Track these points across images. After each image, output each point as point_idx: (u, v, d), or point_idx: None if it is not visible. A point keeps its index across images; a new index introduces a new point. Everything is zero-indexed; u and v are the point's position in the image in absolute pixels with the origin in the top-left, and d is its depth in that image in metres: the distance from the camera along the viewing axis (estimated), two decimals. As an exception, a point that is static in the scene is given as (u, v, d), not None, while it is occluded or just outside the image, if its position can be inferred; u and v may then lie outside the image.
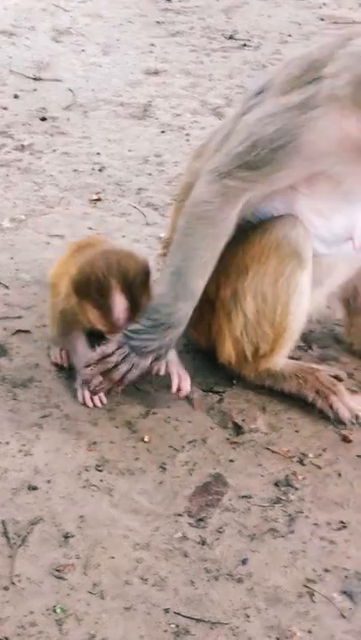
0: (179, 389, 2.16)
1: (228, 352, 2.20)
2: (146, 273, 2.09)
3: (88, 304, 2.05)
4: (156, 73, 4.64)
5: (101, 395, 2.18)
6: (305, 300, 2.13)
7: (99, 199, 3.25)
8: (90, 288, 2.03)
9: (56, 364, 2.30)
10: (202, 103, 4.28)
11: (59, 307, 2.23)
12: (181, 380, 2.16)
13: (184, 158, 3.64)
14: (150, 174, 3.48)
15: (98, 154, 3.64)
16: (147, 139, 3.82)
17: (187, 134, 3.90)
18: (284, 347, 2.17)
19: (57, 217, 3.11)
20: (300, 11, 5.84)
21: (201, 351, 2.38)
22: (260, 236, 2.10)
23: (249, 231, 2.12)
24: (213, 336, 2.22)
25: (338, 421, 2.15)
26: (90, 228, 3.05)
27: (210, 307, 2.18)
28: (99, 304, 2.03)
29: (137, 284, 2.05)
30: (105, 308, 2.03)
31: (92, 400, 2.18)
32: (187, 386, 2.17)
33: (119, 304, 2.02)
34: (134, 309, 2.04)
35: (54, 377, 2.28)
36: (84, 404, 2.17)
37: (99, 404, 2.17)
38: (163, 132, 3.91)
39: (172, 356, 2.18)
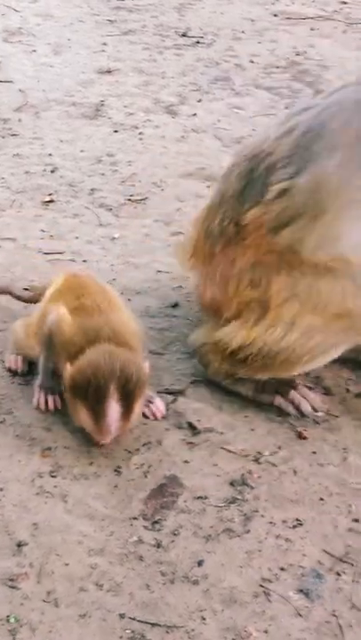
0: (155, 416, 2.15)
1: (229, 340, 2.15)
2: (144, 380, 2.01)
3: (82, 405, 1.98)
4: (108, 72, 4.62)
5: (57, 398, 2.16)
6: None
7: (51, 201, 3.22)
8: (87, 391, 1.95)
9: (10, 370, 2.28)
10: (155, 101, 4.26)
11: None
12: (152, 405, 2.15)
13: (137, 157, 3.63)
14: (103, 174, 3.46)
15: (50, 155, 3.60)
16: (99, 138, 3.79)
17: (140, 133, 3.88)
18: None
19: (8, 220, 3.07)
20: (253, 7, 5.84)
21: (155, 352, 2.37)
22: None
23: None
24: (229, 314, 2.17)
25: (299, 415, 2.15)
26: (42, 231, 3.02)
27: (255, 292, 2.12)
28: (93, 408, 1.96)
29: (134, 392, 1.97)
30: (98, 414, 1.96)
31: (46, 404, 2.15)
32: (161, 409, 2.16)
33: (113, 413, 1.95)
34: (126, 417, 1.97)
35: (7, 383, 2.26)
36: (38, 407, 2.15)
37: (52, 408, 2.15)
38: (116, 131, 3.89)
39: None
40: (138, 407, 2.01)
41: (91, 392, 1.95)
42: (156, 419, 2.14)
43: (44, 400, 2.16)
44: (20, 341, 2.28)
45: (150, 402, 2.15)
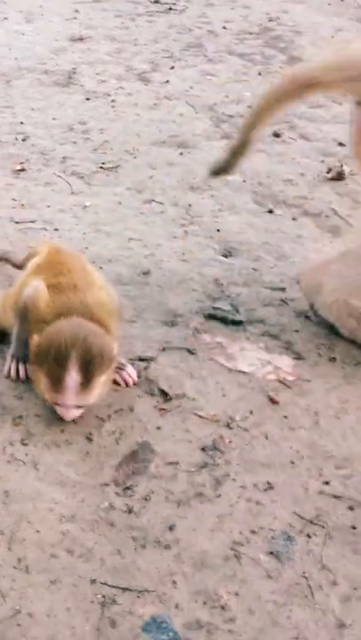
0: (126, 383, 2.14)
1: None
2: (110, 357, 1.97)
3: (42, 372, 1.96)
4: (80, 39, 4.57)
5: (28, 367, 2.14)
6: None
7: (22, 169, 3.19)
8: (48, 355, 1.93)
9: None
10: (127, 69, 4.22)
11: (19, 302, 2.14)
12: (123, 371, 2.14)
13: (109, 125, 3.60)
14: (75, 142, 3.43)
15: (21, 123, 3.57)
16: (71, 106, 3.76)
17: (112, 100, 3.85)
18: None
19: (-21, 189, 3.04)
20: (226, -28, 5.78)
21: (127, 320, 2.36)
22: None
23: None
24: None
25: None
26: (14, 199, 2.99)
27: None
28: (51, 374, 1.94)
29: (96, 365, 1.94)
30: (56, 380, 1.94)
31: (17, 373, 2.14)
32: (133, 376, 2.15)
33: (72, 381, 1.93)
34: (86, 390, 1.95)
35: (-22, 352, 2.24)
36: (9, 376, 2.14)
37: (23, 377, 2.14)
38: (88, 99, 3.85)
39: None
40: (99, 382, 1.98)
41: (51, 358, 1.94)
42: (127, 385, 2.14)
43: (16, 369, 2.15)
44: None
45: (121, 369, 2.14)
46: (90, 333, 1.97)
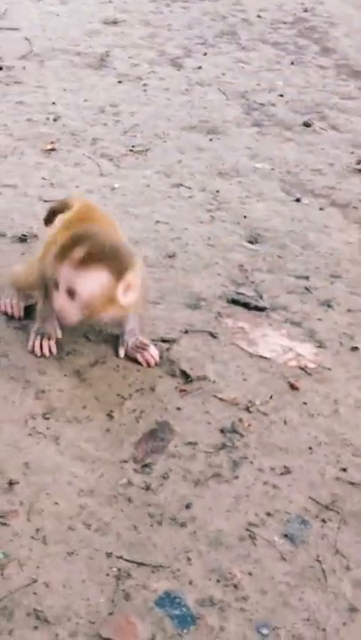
0: (148, 363, 2.15)
1: None
2: (120, 265, 1.92)
3: (55, 247, 1.94)
4: (114, 23, 4.58)
5: (52, 344, 2.17)
6: None
7: (53, 149, 3.21)
8: (69, 251, 1.91)
9: (5, 313, 2.29)
10: (160, 53, 4.23)
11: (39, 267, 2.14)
12: (145, 351, 2.15)
13: (140, 109, 3.61)
14: (106, 124, 3.44)
15: (53, 103, 3.59)
16: (103, 89, 3.77)
17: (144, 84, 3.86)
18: None
19: (9, 167, 3.07)
20: None
21: (151, 301, 2.38)
22: None
23: None
24: None
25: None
26: (43, 178, 3.01)
27: None
28: (61, 247, 1.92)
29: (104, 255, 1.91)
30: (62, 251, 1.92)
31: (41, 349, 2.17)
32: (155, 356, 2.16)
33: (76, 253, 1.90)
34: (83, 269, 1.91)
35: (3, 326, 2.27)
36: (33, 352, 2.16)
37: (47, 354, 2.16)
38: (120, 82, 3.86)
39: (134, 323, 2.17)
40: (101, 275, 1.90)
41: (67, 235, 1.92)
42: (149, 366, 2.15)
43: (39, 345, 2.17)
44: (20, 281, 2.28)
45: (144, 349, 2.16)
46: (113, 238, 1.96)
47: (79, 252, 1.91)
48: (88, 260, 1.91)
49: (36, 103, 3.57)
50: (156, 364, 2.16)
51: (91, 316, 2.03)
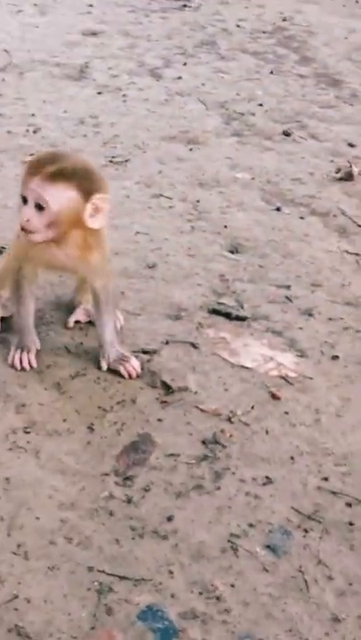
0: (129, 375, 2.15)
1: None
2: (87, 187, 1.94)
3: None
4: (93, 34, 4.59)
5: (31, 357, 2.16)
6: None
7: (32, 161, 3.20)
8: (29, 161, 1.96)
9: None
10: (139, 64, 4.24)
11: (10, 263, 2.16)
12: (127, 364, 2.15)
13: (120, 120, 3.61)
14: (85, 135, 3.44)
15: (33, 115, 3.59)
16: (83, 100, 3.77)
17: (124, 95, 3.87)
18: None
19: (-11, 179, 3.06)
20: (241, -29, 5.79)
21: (131, 312, 2.37)
22: None
23: None
24: None
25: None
26: (23, 191, 3.00)
27: None
28: (29, 164, 1.95)
29: (71, 171, 1.92)
30: (30, 166, 1.93)
31: (21, 363, 2.16)
32: (137, 368, 2.15)
33: (43, 163, 1.91)
34: (50, 183, 1.90)
35: (-17, 340, 2.26)
36: (13, 366, 2.15)
37: (27, 367, 2.15)
38: (99, 92, 3.87)
39: (112, 334, 2.18)
40: (65, 191, 1.91)
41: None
42: (130, 377, 2.15)
43: (19, 359, 2.16)
44: None
45: (125, 361, 2.16)
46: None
47: (51, 168, 1.91)
48: (59, 175, 1.91)
49: (15, 115, 3.57)
50: (137, 376, 2.16)
51: (56, 237, 1.98)
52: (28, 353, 2.17)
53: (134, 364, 2.17)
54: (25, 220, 1.93)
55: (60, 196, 1.92)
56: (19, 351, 2.17)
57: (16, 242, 2.15)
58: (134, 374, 2.16)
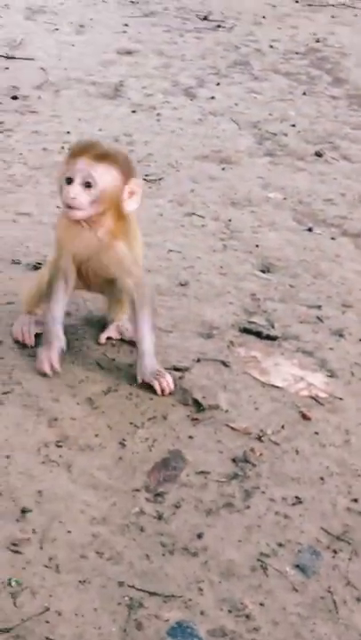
0: (163, 391, 2.17)
1: None
2: (126, 166, 2.08)
3: (62, 168, 2.07)
4: (128, 53, 4.64)
5: (54, 357, 2.19)
6: None
7: (67, 178, 3.24)
8: (71, 147, 2.08)
9: (17, 341, 2.31)
10: (174, 83, 4.28)
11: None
12: (162, 380, 2.18)
13: (154, 138, 3.65)
14: (120, 154, 3.47)
15: (68, 133, 3.63)
16: (117, 118, 3.82)
17: (158, 114, 3.91)
18: None
19: (25, 195, 3.10)
20: (275, -8, 5.84)
21: (164, 329, 2.40)
22: None
23: None
24: None
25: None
26: (58, 207, 3.04)
27: None
28: (70, 152, 2.06)
29: (112, 154, 2.05)
30: (73, 153, 2.04)
31: (49, 366, 2.19)
32: (170, 384, 2.18)
33: (86, 149, 2.03)
34: (96, 164, 2.02)
35: (17, 354, 2.28)
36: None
37: (49, 371, 2.18)
38: (134, 111, 3.91)
39: (149, 347, 2.21)
40: (109, 171, 2.03)
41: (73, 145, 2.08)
42: (163, 394, 2.17)
43: (43, 360, 2.19)
44: (29, 299, 2.33)
45: (160, 376, 2.18)
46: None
47: (97, 150, 2.04)
48: (105, 157, 2.04)
49: (51, 132, 3.62)
50: (170, 393, 2.18)
51: (94, 216, 2.07)
52: (50, 352, 2.19)
53: (169, 380, 2.18)
54: (71, 197, 2.03)
55: (106, 175, 2.03)
56: (43, 351, 2.20)
57: (57, 232, 2.23)
58: (167, 391, 2.18)
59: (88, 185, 2.02)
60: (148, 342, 2.19)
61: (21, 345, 2.31)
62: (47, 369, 2.19)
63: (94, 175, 2.02)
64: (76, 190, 2.02)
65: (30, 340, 2.30)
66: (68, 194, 2.03)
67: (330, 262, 2.86)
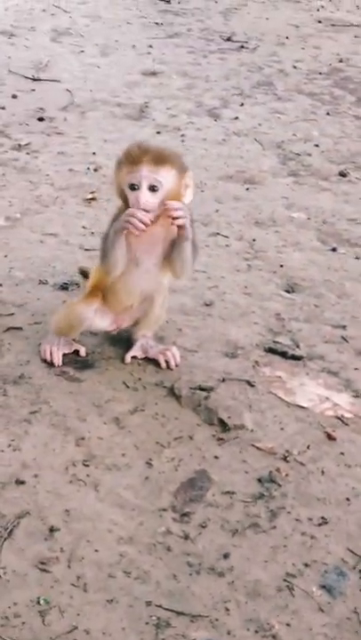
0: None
1: None
2: (180, 163, 2.18)
3: (123, 167, 2.16)
4: (153, 74, 4.69)
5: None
6: None
7: (93, 198, 3.28)
8: (127, 154, 2.16)
9: (45, 361, 2.34)
10: (198, 104, 4.32)
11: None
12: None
13: (179, 159, 3.67)
14: (145, 174, 3.51)
15: (94, 154, 3.67)
16: (142, 139, 3.85)
17: (182, 135, 3.94)
18: None
19: (52, 216, 3.14)
20: (298, 13, 5.88)
21: (189, 349, 2.42)
22: None
23: None
24: None
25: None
26: (84, 227, 3.08)
27: None
28: (129, 157, 2.15)
29: (169, 155, 2.16)
30: (132, 159, 2.13)
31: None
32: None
33: (147, 153, 2.12)
34: (158, 167, 2.11)
35: (44, 374, 2.31)
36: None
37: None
38: (158, 132, 3.95)
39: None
40: (170, 172, 2.13)
41: (128, 154, 2.16)
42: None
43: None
44: (61, 325, 2.37)
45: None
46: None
47: (153, 155, 2.13)
48: (162, 159, 2.14)
49: (77, 153, 3.66)
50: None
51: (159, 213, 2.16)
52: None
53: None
54: (143, 203, 2.13)
55: (169, 176, 2.14)
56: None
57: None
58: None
59: (154, 189, 2.12)
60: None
61: (48, 364, 2.34)
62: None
63: (159, 179, 2.12)
64: (145, 197, 2.13)
65: (58, 360, 2.34)
66: (138, 200, 2.13)
67: (354, 282, 2.87)
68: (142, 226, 2.13)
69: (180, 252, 2.21)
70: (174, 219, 2.14)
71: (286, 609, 1.70)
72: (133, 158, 2.14)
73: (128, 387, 2.28)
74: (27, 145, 3.71)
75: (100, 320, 2.35)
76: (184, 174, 2.18)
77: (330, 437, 2.15)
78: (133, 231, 2.14)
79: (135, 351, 2.39)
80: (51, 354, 2.35)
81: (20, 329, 2.47)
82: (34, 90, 4.33)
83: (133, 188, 2.14)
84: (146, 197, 2.13)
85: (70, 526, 1.85)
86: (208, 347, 2.47)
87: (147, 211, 2.13)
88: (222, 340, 2.51)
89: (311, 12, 5.96)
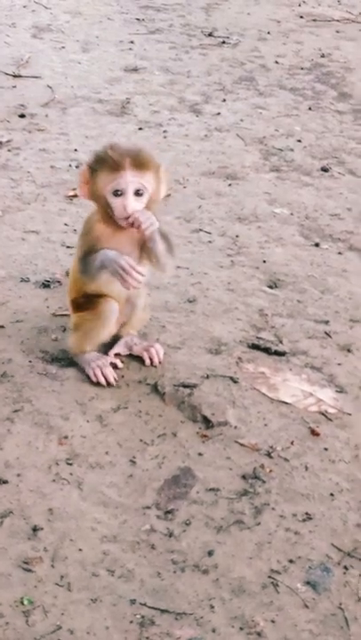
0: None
1: None
2: (157, 165, 2.17)
3: (101, 173, 2.12)
4: (134, 70, 4.66)
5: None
6: None
7: (75, 195, 3.26)
8: (105, 160, 2.12)
9: (98, 383, 2.27)
10: (180, 100, 4.30)
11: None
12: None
13: (161, 155, 3.65)
14: (127, 171, 3.49)
15: (75, 150, 3.65)
16: (124, 135, 3.84)
17: (164, 131, 3.93)
18: None
19: (33, 213, 3.12)
20: (280, 8, 5.87)
21: (172, 346, 2.41)
22: None
23: None
24: None
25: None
26: (66, 224, 3.06)
27: None
28: (109, 164, 2.10)
29: (149, 157, 2.14)
30: (114, 165, 2.09)
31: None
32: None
33: (128, 158, 2.10)
34: (140, 171, 2.10)
35: (26, 372, 2.30)
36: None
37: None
38: (140, 128, 3.93)
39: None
40: (150, 175, 2.12)
41: (108, 160, 2.11)
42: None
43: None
44: (84, 338, 2.32)
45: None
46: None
47: (133, 159, 2.10)
48: (141, 163, 2.11)
49: (58, 150, 3.64)
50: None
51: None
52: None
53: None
54: (130, 209, 2.11)
55: (150, 179, 2.13)
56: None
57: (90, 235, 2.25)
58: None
59: (139, 193, 2.12)
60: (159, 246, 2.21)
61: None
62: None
63: (144, 183, 2.12)
64: (131, 203, 2.11)
65: (112, 376, 2.28)
66: (125, 207, 2.11)
67: (337, 277, 2.87)
68: (137, 285, 2.14)
69: (154, 250, 2.19)
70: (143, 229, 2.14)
71: (271, 605, 1.70)
72: (115, 163, 2.10)
73: (111, 384, 2.27)
74: (8, 142, 3.69)
75: None
76: (160, 170, 2.18)
77: (314, 433, 2.15)
78: (126, 286, 2.15)
79: (118, 348, 2.38)
80: (105, 376, 2.27)
81: (1, 327, 2.45)
82: (15, 86, 4.30)
83: (117, 194, 2.12)
84: (132, 203, 2.11)
85: (54, 525, 1.84)
86: (191, 343, 2.46)
87: (142, 275, 2.14)
88: (206, 336, 2.50)
89: (293, 8, 5.95)
